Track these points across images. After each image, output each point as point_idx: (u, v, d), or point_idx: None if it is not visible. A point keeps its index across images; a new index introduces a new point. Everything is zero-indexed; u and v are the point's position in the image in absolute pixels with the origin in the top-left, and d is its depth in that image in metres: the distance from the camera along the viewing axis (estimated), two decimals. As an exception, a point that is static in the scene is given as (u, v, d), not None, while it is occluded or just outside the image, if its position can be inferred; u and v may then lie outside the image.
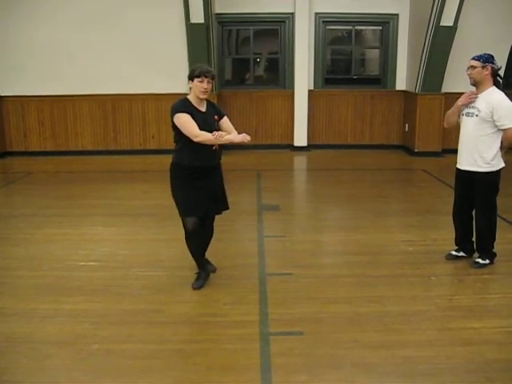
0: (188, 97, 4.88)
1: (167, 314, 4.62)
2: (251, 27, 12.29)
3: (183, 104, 4.81)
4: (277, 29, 12.28)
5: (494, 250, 5.60)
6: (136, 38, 11.20)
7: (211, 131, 4.76)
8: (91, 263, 5.76)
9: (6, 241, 6.54)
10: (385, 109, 12.43)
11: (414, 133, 11.73)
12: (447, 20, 10.59)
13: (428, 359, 3.93)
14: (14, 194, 9.11)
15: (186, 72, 11.20)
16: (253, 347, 4.08)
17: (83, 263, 5.75)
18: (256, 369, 3.81)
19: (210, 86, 4.80)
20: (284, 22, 12.09)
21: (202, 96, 4.80)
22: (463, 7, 10.51)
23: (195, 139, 4.68)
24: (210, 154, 4.88)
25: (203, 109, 4.88)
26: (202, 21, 10.60)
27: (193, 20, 10.62)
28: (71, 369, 3.86)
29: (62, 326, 4.44)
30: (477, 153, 5.33)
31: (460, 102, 5.43)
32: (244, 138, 4.76)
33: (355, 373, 3.78)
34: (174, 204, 4.98)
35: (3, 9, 11.03)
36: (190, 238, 5.01)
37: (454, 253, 5.80)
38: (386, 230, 6.92)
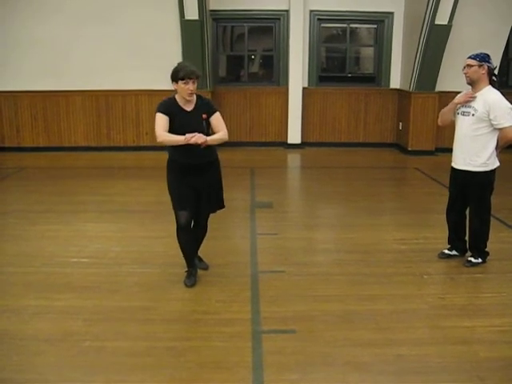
0: (176, 96, 4.85)
1: (159, 312, 4.61)
2: (246, 24, 12.25)
3: (166, 104, 4.82)
4: (271, 26, 12.25)
5: (487, 249, 5.61)
6: (130, 34, 11.14)
7: (194, 131, 4.67)
8: (83, 260, 5.73)
9: (-2, 237, 6.52)
10: (379, 107, 12.43)
11: (407, 131, 11.74)
12: (442, 18, 10.58)
13: (420, 358, 3.94)
14: (6, 189, 9.05)
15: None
16: (245, 345, 4.08)
17: (75, 260, 5.72)
18: (248, 367, 3.80)
19: (196, 85, 4.74)
20: (279, 19, 12.06)
21: (189, 98, 4.76)
22: (458, 5, 10.51)
23: (157, 139, 4.75)
24: (197, 153, 4.79)
25: (189, 108, 4.82)
26: (197, 17, 10.56)
27: (187, 16, 10.58)
28: (62, 366, 3.84)
29: (53, 322, 4.41)
30: (472, 152, 5.32)
31: (457, 100, 5.43)
32: (196, 139, 4.61)
33: (347, 371, 3.78)
34: (169, 200, 4.97)
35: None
36: (181, 232, 4.99)
37: (446, 251, 5.80)
38: (379, 229, 6.92)
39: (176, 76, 4.70)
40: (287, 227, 7.04)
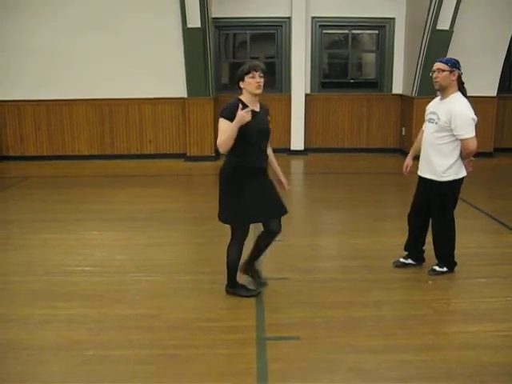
0: (241, 97, 4.65)
1: (163, 319, 4.61)
2: (248, 31, 12.30)
3: (232, 108, 4.53)
4: (273, 33, 12.30)
5: (457, 260, 5.50)
6: (133, 42, 11.20)
7: (266, 131, 4.71)
8: (87, 268, 5.75)
9: (3, 246, 6.54)
10: (382, 112, 12.45)
11: (410, 136, 11.67)
12: (443, 24, 10.61)
13: (424, 363, 3.93)
14: (10, 198, 9.08)
15: (182, 76, 11.33)
16: (249, 352, 4.08)
17: (79, 268, 5.74)
18: (252, 374, 3.80)
19: (263, 80, 4.57)
20: (281, 26, 12.12)
21: (257, 91, 4.56)
22: (459, 11, 10.54)
23: (220, 148, 4.55)
24: (263, 155, 4.84)
25: (257, 108, 4.68)
26: (199, 25, 10.62)
27: (189, 25, 10.63)
28: (66, 375, 3.84)
29: (57, 331, 4.42)
30: (435, 161, 5.18)
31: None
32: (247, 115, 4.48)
33: (351, 377, 3.78)
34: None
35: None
36: (241, 246, 4.98)
37: (401, 260, 5.68)
38: (383, 234, 6.91)
39: (241, 73, 4.56)
40: (291, 233, 7.01)
